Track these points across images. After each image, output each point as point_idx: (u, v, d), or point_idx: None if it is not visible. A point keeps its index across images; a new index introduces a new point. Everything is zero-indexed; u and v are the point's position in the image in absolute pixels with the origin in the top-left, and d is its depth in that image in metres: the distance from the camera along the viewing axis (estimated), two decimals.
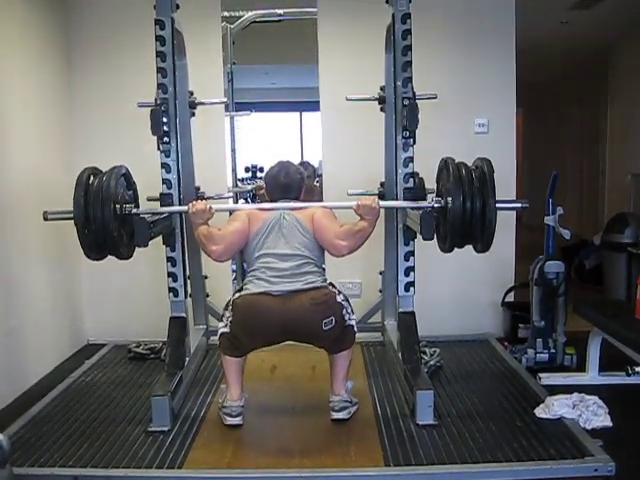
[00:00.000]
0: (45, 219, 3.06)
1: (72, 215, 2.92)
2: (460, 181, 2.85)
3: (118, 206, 2.98)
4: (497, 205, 2.82)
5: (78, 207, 2.90)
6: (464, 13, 4.48)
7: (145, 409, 3.19)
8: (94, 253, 3.00)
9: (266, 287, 2.98)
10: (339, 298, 3.04)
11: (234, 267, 4.77)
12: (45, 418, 3.17)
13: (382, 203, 3.16)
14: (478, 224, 2.84)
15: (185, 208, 3.22)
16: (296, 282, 2.99)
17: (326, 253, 3.20)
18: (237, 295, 3.05)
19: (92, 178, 2.98)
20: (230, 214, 3.37)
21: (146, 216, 3.13)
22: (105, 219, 2.87)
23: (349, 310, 3.09)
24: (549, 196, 3.93)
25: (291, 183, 3.29)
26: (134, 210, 3.12)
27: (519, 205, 3.11)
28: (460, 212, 2.82)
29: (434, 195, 3.15)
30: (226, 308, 3.06)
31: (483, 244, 2.93)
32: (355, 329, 3.12)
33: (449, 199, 2.88)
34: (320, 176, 4.83)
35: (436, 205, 3.04)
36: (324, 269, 3.20)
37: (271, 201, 3.30)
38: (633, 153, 6.52)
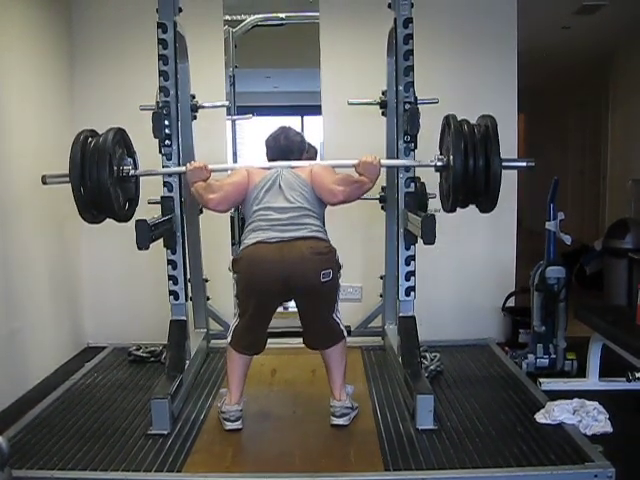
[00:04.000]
0: (44, 183, 3.07)
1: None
2: (462, 137, 2.81)
3: (115, 168, 2.98)
4: (501, 162, 2.78)
5: (74, 166, 2.89)
6: (466, 18, 4.49)
7: (145, 412, 3.19)
8: (90, 215, 2.98)
9: (262, 236, 2.95)
10: (339, 260, 3.01)
11: None
12: (45, 421, 3.16)
13: (382, 162, 3.13)
14: (482, 182, 2.79)
15: (183, 169, 3.22)
16: (295, 230, 2.96)
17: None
18: (237, 252, 3.04)
19: (90, 139, 2.98)
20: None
21: (147, 219, 3.12)
22: (101, 178, 2.86)
23: (340, 277, 3.04)
24: (550, 201, 3.93)
25: (291, 145, 3.26)
26: (132, 171, 3.12)
27: (524, 163, 3.06)
28: (462, 170, 2.78)
29: (437, 154, 3.11)
30: (233, 270, 3.01)
31: (487, 203, 2.88)
32: (341, 326, 3.09)
33: (451, 156, 2.84)
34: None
35: (439, 163, 3.01)
36: (325, 228, 3.12)
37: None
38: (634, 158, 6.53)
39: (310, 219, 3.03)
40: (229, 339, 3.08)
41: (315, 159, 4.76)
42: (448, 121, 2.94)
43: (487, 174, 2.78)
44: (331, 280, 2.92)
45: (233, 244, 4.68)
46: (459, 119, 2.97)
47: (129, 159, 3.19)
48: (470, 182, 2.80)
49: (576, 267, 5.96)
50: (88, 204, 2.95)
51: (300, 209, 3.03)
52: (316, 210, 3.09)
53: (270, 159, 3.29)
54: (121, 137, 3.11)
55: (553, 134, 10.03)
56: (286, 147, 3.25)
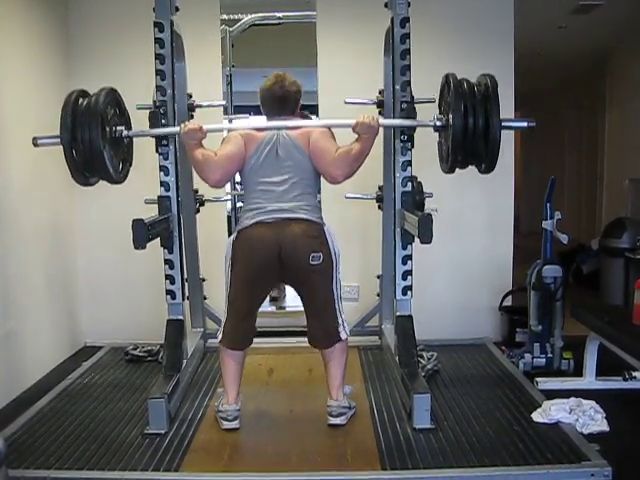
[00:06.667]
0: (35, 145, 3.05)
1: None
2: (462, 97, 2.78)
3: (108, 128, 2.95)
4: (501, 123, 2.75)
5: (65, 127, 2.87)
6: (463, 18, 4.50)
7: (142, 412, 3.19)
8: (82, 177, 2.96)
9: (260, 218, 2.96)
10: (334, 246, 3.00)
11: None
12: (42, 420, 3.16)
13: (381, 121, 3.08)
14: (481, 142, 2.77)
15: (177, 129, 3.18)
16: (290, 211, 2.95)
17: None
18: (235, 232, 3.04)
19: (81, 100, 2.96)
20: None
21: (144, 218, 3.11)
22: (92, 139, 2.84)
23: (338, 268, 3.03)
24: (547, 201, 3.93)
25: (287, 95, 3.13)
26: (125, 132, 3.10)
27: (525, 124, 3.00)
28: (462, 129, 2.75)
29: (436, 114, 3.08)
30: (229, 248, 3.01)
31: (487, 163, 2.85)
32: (343, 326, 3.07)
33: (450, 116, 2.82)
34: None
35: (438, 123, 2.99)
36: (319, 202, 3.11)
37: (265, 116, 3.20)
38: (631, 158, 6.54)
39: (306, 197, 3.02)
40: (219, 337, 3.09)
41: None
42: (448, 80, 2.90)
43: (487, 133, 2.75)
44: (321, 263, 2.92)
45: None
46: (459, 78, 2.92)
47: (122, 119, 3.15)
48: (469, 142, 2.76)
49: (573, 266, 5.98)
50: (80, 166, 2.92)
51: (296, 184, 3.01)
52: (311, 180, 3.07)
53: (265, 111, 3.20)
54: (113, 97, 3.06)
55: (550, 133, 10.04)
56: (281, 98, 3.12)
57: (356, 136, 2.99)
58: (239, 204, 5.37)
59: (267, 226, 2.94)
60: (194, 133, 3.01)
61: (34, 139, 3.05)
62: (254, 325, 3.10)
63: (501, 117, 2.81)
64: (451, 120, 2.79)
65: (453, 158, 2.85)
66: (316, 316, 3.05)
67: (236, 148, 3.04)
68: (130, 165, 3.30)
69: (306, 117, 4.45)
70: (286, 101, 3.14)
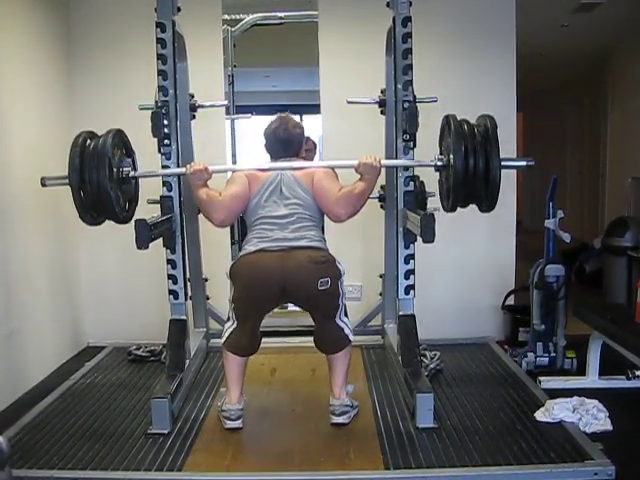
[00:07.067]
0: (43, 185, 3.05)
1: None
2: (462, 138, 2.81)
3: (115, 170, 2.97)
4: (501, 163, 2.78)
5: (73, 168, 2.88)
6: (465, 17, 4.49)
7: (145, 411, 3.19)
8: (90, 217, 2.98)
9: (263, 245, 2.97)
10: (340, 267, 3.02)
11: None
12: (45, 420, 3.16)
13: (383, 162, 3.11)
14: (482, 182, 2.79)
15: (183, 170, 3.20)
16: (295, 240, 2.98)
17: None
18: (236, 258, 3.05)
19: (88, 141, 2.97)
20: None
21: (147, 218, 3.12)
22: (100, 180, 2.85)
23: (343, 283, 3.05)
24: (549, 199, 3.93)
25: (291, 138, 3.23)
26: (132, 173, 3.11)
27: (524, 163, 3.04)
28: (463, 170, 2.77)
29: (437, 154, 3.10)
30: (231, 276, 3.01)
31: (487, 203, 2.88)
32: (347, 332, 3.08)
33: (451, 157, 2.84)
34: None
35: (439, 163, 3.01)
36: (323, 235, 3.15)
37: (270, 157, 3.27)
38: (633, 156, 6.53)
39: (310, 229, 3.06)
40: (223, 340, 3.09)
41: (314, 151, 4.78)
42: (448, 121, 2.94)
43: (487, 174, 2.78)
44: (329, 288, 2.93)
45: (233, 243, 4.68)
46: (459, 119, 2.96)
47: (128, 160, 3.18)
48: (470, 182, 2.80)
49: (575, 265, 5.97)
50: (88, 206, 2.94)
51: (300, 219, 3.05)
52: (316, 216, 3.12)
53: (269, 153, 3.28)
54: (120, 138, 3.10)
55: (552, 132, 10.04)
56: (285, 140, 3.23)
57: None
58: None
59: (271, 255, 2.94)
60: (200, 174, 3.06)
61: (42, 179, 3.06)
62: (259, 337, 3.09)
63: (501, 157, 2.84)
64: (452, 161, 2.83)
65: (454, 197, 2.90)
66: (323, 327, 3.06)
67: (240, 188, 3.10)
68: (136, 204, 3.31)
69: (309, 141, 4.52)
70: (290, 143, 3.24)
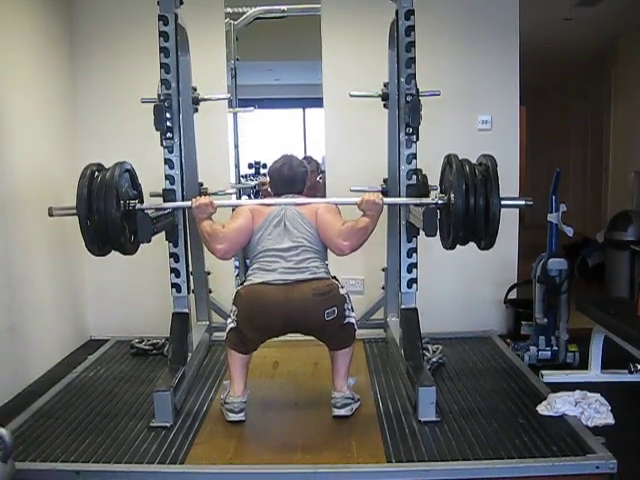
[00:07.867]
0: (50, 215, 3.05)
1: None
2: (464, 177, 2.84)
3: (122, 202, 2.98)
4: (501, 202, 2.82)
5: (81, 200, 2.89)
6: (468, 9, 4.48)
7: (147, 404, 3.20)
8: (96, 247, 2.99)
9: (268, 278, 2.99)
10: (342, 291, 3.04)
11: (237, 263, 4.77)
12: (48, 413, 3.17)
13: (385, 200, 3.15)
14: (481, 221, 2.83)
15: (188, 203, 3.23)
16: (299, 273, 3.00)
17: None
18: (240, 287, 3.07)
19: (96, 173, 2.99)
20: (233, 210, 3.37)
21: (149, 211, 3.12)
22: (108, 211, 2.86)
23: (349, 307, 3.08)
24: (552, 193, 3.93)
25: (295, 176, 3.33)
26: (138, 205, 3.12)
27: (523, 202, 3.09)
28: (463, 208, 2.81)
29: (437, 192, 3.14)
30: (234, 302, 3.05)
31: (487, 241, 2.92)
32: (355, 327, 3.11)
33: (452, 195, 2.87)
34: (323, 172, 4.84)
35: (440, 202, 3.03)
36: (327, 264, 3.20)
37: (275, 194, 3.34)
38: (636, 150, 6.51)
39: (313, 261, 3.08)
40: (225, 337, 3.11)
41: (316, 173, 4.84)
42: (450, 160, 2.98)
43: (487, 213, 2.83)
44: (336, 317, 2.96)
45: None
46: (460, 158, 2.97)
47: (135, 191, 3.18)
48: (470, 221, 2.84)
49: (578, 259, 5.96)
50: (94, 237, 2.95)
51: (304, 251, 3.09)
52: (319, 249, 3.16)
53: (274, 190, 3.37)
54: (127, 171, 3.10)
55: (555, 126, 10.02)
56: (290, 178, 3.33)
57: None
58: (244, 197, 5.39)
59: (276, 288, 2.96)
60: (205, 207, 3.11)
61: (50, 209, 3.04)
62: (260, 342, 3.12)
63: (500, 196, 2.85)
64: (453, 199, 2.85)
65: (454, 235, 2.92)
66: (332, 336, 3.06)
67: (244, 221, 3.15)
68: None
69: (312, 161, 4.54)
70: (294, 181, 3.34)
